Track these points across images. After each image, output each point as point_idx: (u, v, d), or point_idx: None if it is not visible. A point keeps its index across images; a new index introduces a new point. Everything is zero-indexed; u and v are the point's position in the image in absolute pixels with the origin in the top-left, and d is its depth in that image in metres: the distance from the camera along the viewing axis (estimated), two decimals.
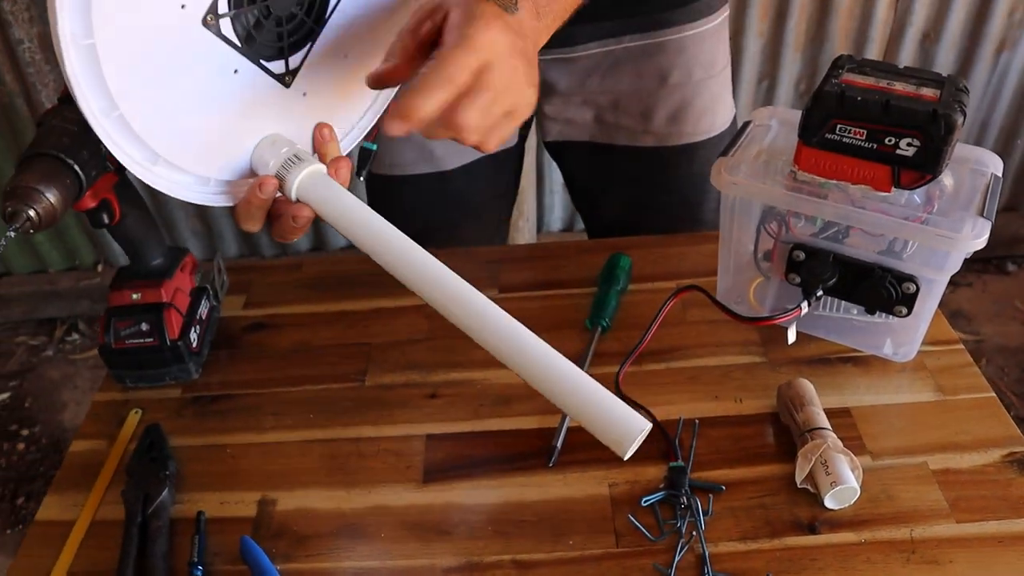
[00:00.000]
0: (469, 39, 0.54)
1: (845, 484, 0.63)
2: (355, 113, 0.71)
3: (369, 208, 0.60)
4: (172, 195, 0.63)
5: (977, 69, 1.81)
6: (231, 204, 0.66)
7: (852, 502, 0.64)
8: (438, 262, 0.58)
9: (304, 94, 0.65)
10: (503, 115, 0.57)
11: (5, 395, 1.87)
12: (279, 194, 0.63)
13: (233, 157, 0.64)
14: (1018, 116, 1.90)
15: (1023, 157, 1.97)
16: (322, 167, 0.63)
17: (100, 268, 1.98)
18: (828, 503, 0.64)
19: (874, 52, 1.76)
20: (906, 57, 1.78)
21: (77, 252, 1.98)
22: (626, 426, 0.51)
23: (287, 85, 0.64)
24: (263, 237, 1.96)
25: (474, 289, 0.57)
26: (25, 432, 1.78)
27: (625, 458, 0.52)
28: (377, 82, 0.60)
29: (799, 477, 0.65)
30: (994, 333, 1.90)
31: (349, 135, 0.71)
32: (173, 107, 0.59)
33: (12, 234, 0.61)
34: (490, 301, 0.56)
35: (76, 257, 1.99)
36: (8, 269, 1.99)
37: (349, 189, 0.63)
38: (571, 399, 0.53)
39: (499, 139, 0.58)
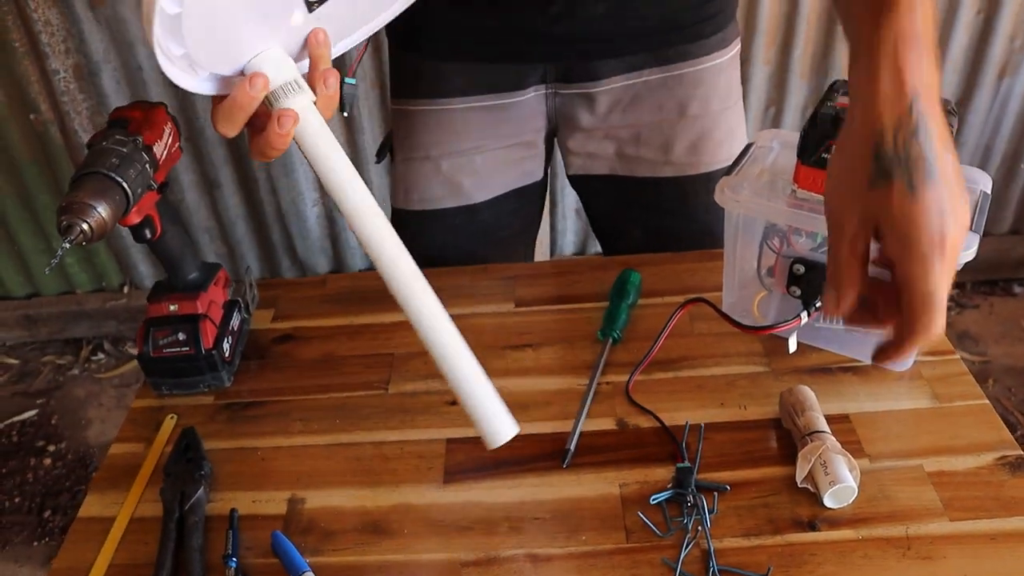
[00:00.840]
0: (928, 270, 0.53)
1: (843, 483, 0.66)
2: (355, 34, 0.67)
3: (344, 156, 0.59)
4: (163, 70, 0.55)
5: (979, 94, 1.85)
6: (215, 93, 0.60)
7: (851, 501, 0.68)
8: (392, 232, 0.60)
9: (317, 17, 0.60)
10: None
11: (32, 412, 1.92)
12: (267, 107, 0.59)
13: (232, 54, 0.58)
14: (1021, 140, 1.93)
15: None
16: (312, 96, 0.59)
17: (126, 290, 2.04)
18: (827, 502, 0.68)
19: None
20: None
21: (105, 274, 2.04)
22: (500, 426, 0.60)
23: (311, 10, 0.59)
24: (284, 258, 2.02)
25: (415, 271, 0.60)
26: (52, 448, 1.83)
27: (488, 448, 0.60)
28: (834, 314, 0.61)
29: (799, 477, 0.69)
30: (1001, 354, 1.92)
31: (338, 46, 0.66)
32: None
33: (67, 245, 0.66)
34: (425, 284, 0.59)
35: (104, 279, 2.05)
36: (37, 290, 2.05)
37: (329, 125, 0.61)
38: (466, 391, 0.60)
39: None
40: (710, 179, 1.01)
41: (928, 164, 0.52)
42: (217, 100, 0.57)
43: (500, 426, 0.60)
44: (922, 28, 0.53)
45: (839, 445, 0.69)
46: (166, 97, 1.73)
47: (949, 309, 2.06)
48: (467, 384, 0.60)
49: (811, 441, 0.69)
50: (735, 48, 0.99)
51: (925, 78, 0.53)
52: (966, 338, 1.98)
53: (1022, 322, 2.01)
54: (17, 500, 1.72)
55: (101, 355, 2.06)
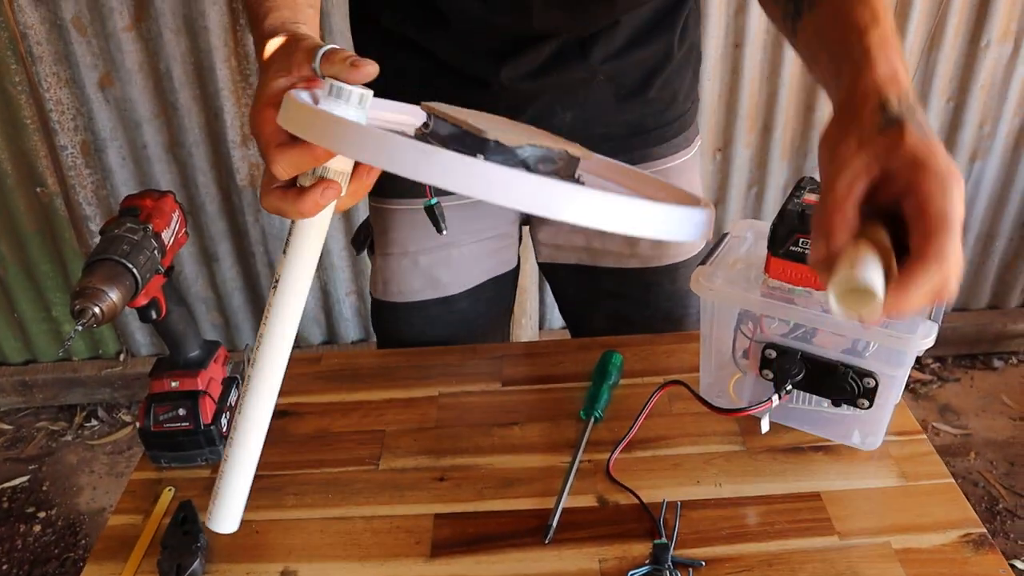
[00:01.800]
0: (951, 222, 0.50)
1: (867, 284, 0.49)
2: None
3: (314, 258, 0.62)
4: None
5: None
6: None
7: (866, 309, 0.50)
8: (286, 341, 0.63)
9: None
10: None
11: (24, 478, 1.93)
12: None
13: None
14: (994, 220, 2.01)
15: (1001, 259, 2.07)
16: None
17: (122, 357, 2.07)
18: (832, 303, 0.51)
19: None
20: None
21: (102, 342, 2.07)
22: (229, 519, 0.69)
23: None
24: None
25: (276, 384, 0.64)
26: (41, 515, 1.84)
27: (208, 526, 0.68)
28: (826, 266, 0.53)
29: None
30: (982, 427, 1.96)
31: None
32: None
33: (80, 328, 0.70)
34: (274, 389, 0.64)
35: (100, 347, 2.08)
36: (34, 357, 2.08)
37: None
38: (231, 476, 0.68)
39: None
40: (673, 270, 1.07)
41: (932, 130, 0.52)
42: (284, 143, 0.55)
43: (229, 519, 0.69)
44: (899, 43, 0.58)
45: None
46: (168, 173, 1.80)
47: (930, 383, 2.11)
48: (238, 470, 0.67)
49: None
50: (696, 147, 1.06)
51: (908, 81, 0.55)
52: (947, 411, 2.02)
53: (1002, 396, 2.05)
54: (4, 567, 1.72)
55: (95, 422, 2.08)
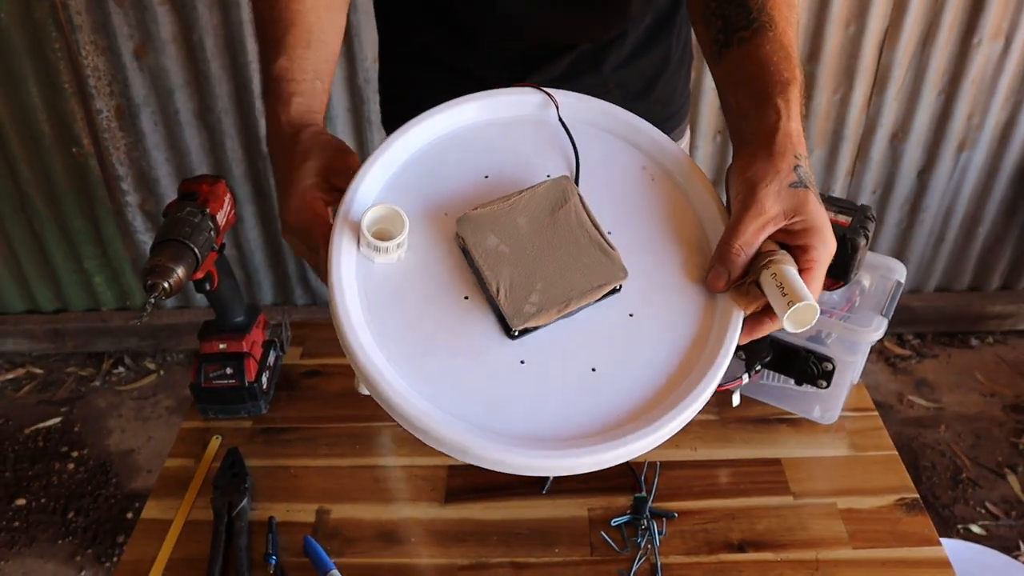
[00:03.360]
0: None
1: (805, 302, 0.60)
2: None
3: None
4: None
5: (941, 165, 2.03)
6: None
7: (813, 323, 0.62)
8: None
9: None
10: None
11: (56, 420, 2.07)
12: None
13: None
14: (979, 206, 2.11)
15: (984, 243, 2.18)
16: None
17: (148, 308, 2.19)
18: (787, 326, 0.61)
19: (848, 149, 1.99)
20: (877, 153, 2.00)
21: (129, 294, 2.20)
22: None
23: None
24: (297, 287, 2.18)
25: None
26: (75, 454, 1.98)
27: None
28: (716, 288, 0.64)
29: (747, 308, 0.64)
30: (954, 402, 2.09)
31: None
32: None
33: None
34: None
35: (128, 298, 2.20)
36: (65, 306, 2.21)
37: None
38: None
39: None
40: None
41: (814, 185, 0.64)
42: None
43: None
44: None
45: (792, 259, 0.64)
46: (197, 138, 1.90)
47: (909, 358, 2.23)
48: None
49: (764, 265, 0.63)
50: (686, 137, 1.17)
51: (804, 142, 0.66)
52: (923, 385, 2.14)
53: (976, 373, 2.17)
54: (43, 501, 1.87)
55: (121, 368, 2.22)
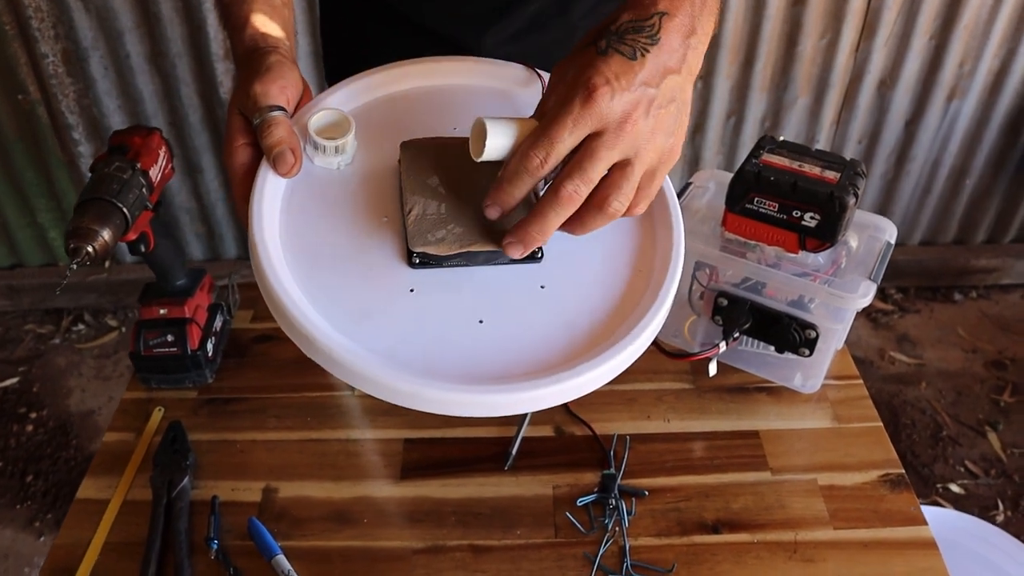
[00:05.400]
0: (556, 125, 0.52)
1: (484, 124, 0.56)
2: None
3: None
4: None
5: (929, 114, 1.96)
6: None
7: (486, 148, 0.56)
8: None
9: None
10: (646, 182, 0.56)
11: (14, 380, 2.00)
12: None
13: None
14: (967, 158, 2.05)
15: (971, 196, 2.13)
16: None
17: (107, 264, 2.11)
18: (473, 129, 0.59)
19: (834, 96, 1.91)
20: (864, 101, 1.93)
21: None
22: None
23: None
24: None
25: None
26: (33, 415, 1.91)
27: None
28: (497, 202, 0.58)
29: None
30: (935, 358, 2.06)
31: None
32: None
33: (75, 267, 0.75)
34: None
35: None
36: (21, 261, 2.12)
37: None
38: None
39: (647, 201, 0.58)
40: None
41: (635, 44, 0.53)
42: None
43: None
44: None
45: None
46: (150, 84, 1.80)
47: (891, 312, 2.19)
48: None
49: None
50: None
51: (682, 6, 0.55)
52: (905, 341, 2.11)
53: (958, 328, 2.14)
54: (0, 464, 1.80)
55: (81, 326, 2.14)
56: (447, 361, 0.56)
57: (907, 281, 2.24)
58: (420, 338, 0.57)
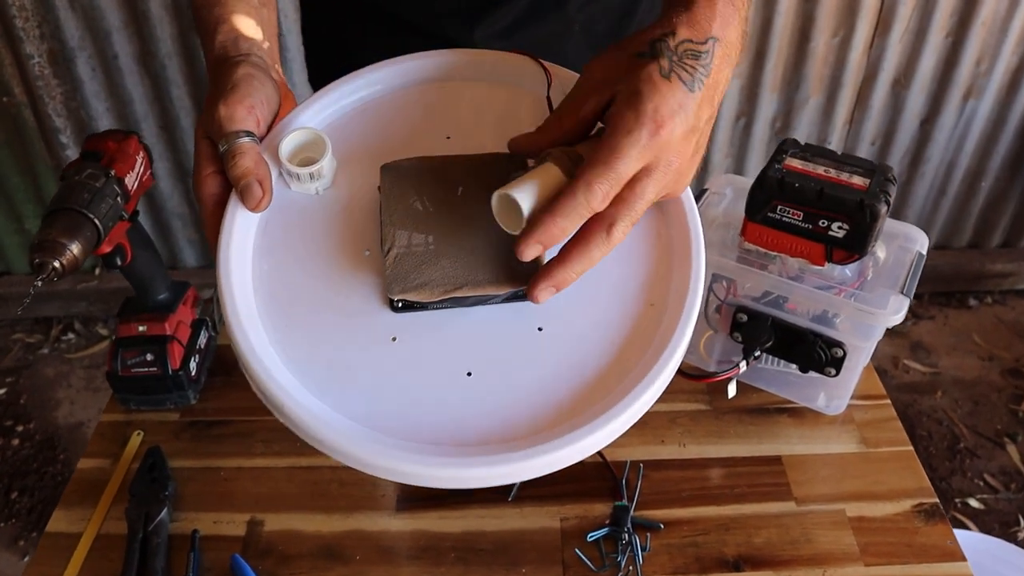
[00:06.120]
0: (623, 159, 0.48)
1: (513, 196, 0.50)
2: None
3: None
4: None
5: (945, 114, 1.90)
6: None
7: (512, 221, 0.51)
8: None
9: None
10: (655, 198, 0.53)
11: (1, 391, 1.94)
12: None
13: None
14: (983, 159, 1.99)
15: (986, 199, 2.06)
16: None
17: (97, 271, 2.05)
18: (494, 205, 0.52)
19: (847, 96, 1.85)
20: (877, 101, 1.87)
21: None
22: None
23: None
24: None
25: None
26: (20, 428, 1.85)
27: None
28: (518, 148, 0.55)
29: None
30: (951, 366, 1.99)
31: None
32: None
33: (39, 283, 0.68)
34: None
35: None
36: (8, 268, 2.06)
37: None
38: None
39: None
40: None
41: (694, 73, 0.50)
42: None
43: None
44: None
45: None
46: (140, 86, 1.74)
47: (904, 319, 2.13)
48: None
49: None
50: None
51: (730, 33, 0.52)
52: (919, 348, 2.05)
53: (974, 335, 2.08)
54: None
55: (71, 335, 2.08)
56: (431, 424, 0.49)
57: (921, 286, 2.16)
58: (402, 397, 0.51)
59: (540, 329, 0.53)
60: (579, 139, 0.54)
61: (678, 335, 0.52)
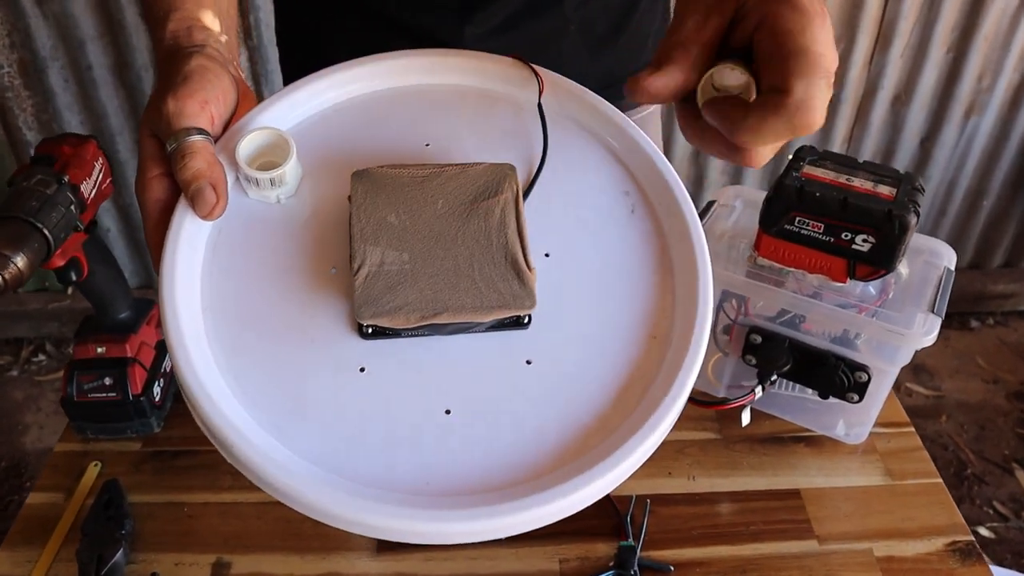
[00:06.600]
0: (815, 67, 0.41)
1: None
2: None
3: None
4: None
5: (946, 131, 1.85)
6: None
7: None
8: None
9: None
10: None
11: None
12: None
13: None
14: (984, 178, 1.94)
15: (988, 218, 2.02)
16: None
17: (70, 291, 1.97)
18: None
19: (846, 113, 1.80)
20: (877, 118, 1.82)
21: (48, 274, 1.96)
22: None
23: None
24: None
25: None
26: None
27: None
28: (645, 95, 0.47)
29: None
30: (955, 389, 1.93)
31: None
32: None
33: None
34: None
35: (47, 279, 1.98)
36: None
37: None
38: None
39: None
40: None
41: None
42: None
43: None
44: None
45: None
46: (115, 98, 1.67)
47: None
48: None
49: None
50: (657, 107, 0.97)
51: None
52: (921, 371, 1.99)
53: (977, 358, 2.02)
54: None
55: (42, 356, 1.99)
56: (403, 471, 0.43)
57: None
58: (370, 438, 0.44)
59: (528, 362, 0.47)
60: (706, 70, 0.46)
61: (685, 370, 0.46)
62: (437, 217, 0.49)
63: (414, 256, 0.48)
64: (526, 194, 0.52)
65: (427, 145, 0.55)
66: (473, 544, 0.70)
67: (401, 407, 0.45)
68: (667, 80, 0.46)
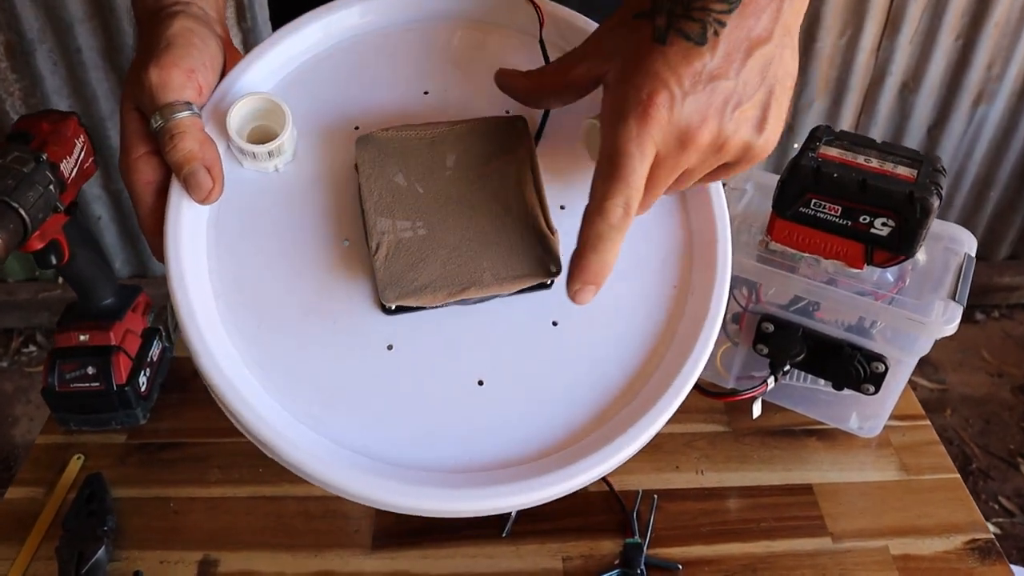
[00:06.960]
0: (626, 147, 0.40)
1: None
2: None
3: None
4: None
5: (954, 120, 1.82)
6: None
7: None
8: None
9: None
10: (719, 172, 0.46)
11: None
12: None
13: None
14: (992, 168, 1.91)
15: (995, 208, 1.98)
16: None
17: (61, 280, 1.94)
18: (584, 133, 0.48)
19: (853, 100, 1.77)
20: (885, 105, 1.79)
21: None
22: None
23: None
24: None
25: None
26: None
27: None
28: (505, 87, 0.48)
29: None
30: (959, 383, 1.90)
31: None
32: None
33: None
34: None
35: (36, 268, 1.94)
36: None
37: None
38: None
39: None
40: None
41: (705, 19, 0.40)
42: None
43: None
44: None
45: None
46: (106, 81, 1.63)
47: None
48: None
49: None
50: None
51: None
52: (925, 365, 1.96)
53: (982, 351, 1.99)
54: None
55: (32, 347, 1.96)
56: (441, 449, 0.42)
57: None
58: (404, 420, 0.43)
59: (555, 324, 0.46)
60: (571, 100, 0.47)
61: (711, 317, 0.47)
62: (450, 181, 0.47)
63: (431, 225, 0.46)
64: (536, 140, 0.50)
65: (426, 93, 0.52)
66: (473, 540, 0.67)
67: (435, 383, 0.44)
68: (526, 83, 0.47)
